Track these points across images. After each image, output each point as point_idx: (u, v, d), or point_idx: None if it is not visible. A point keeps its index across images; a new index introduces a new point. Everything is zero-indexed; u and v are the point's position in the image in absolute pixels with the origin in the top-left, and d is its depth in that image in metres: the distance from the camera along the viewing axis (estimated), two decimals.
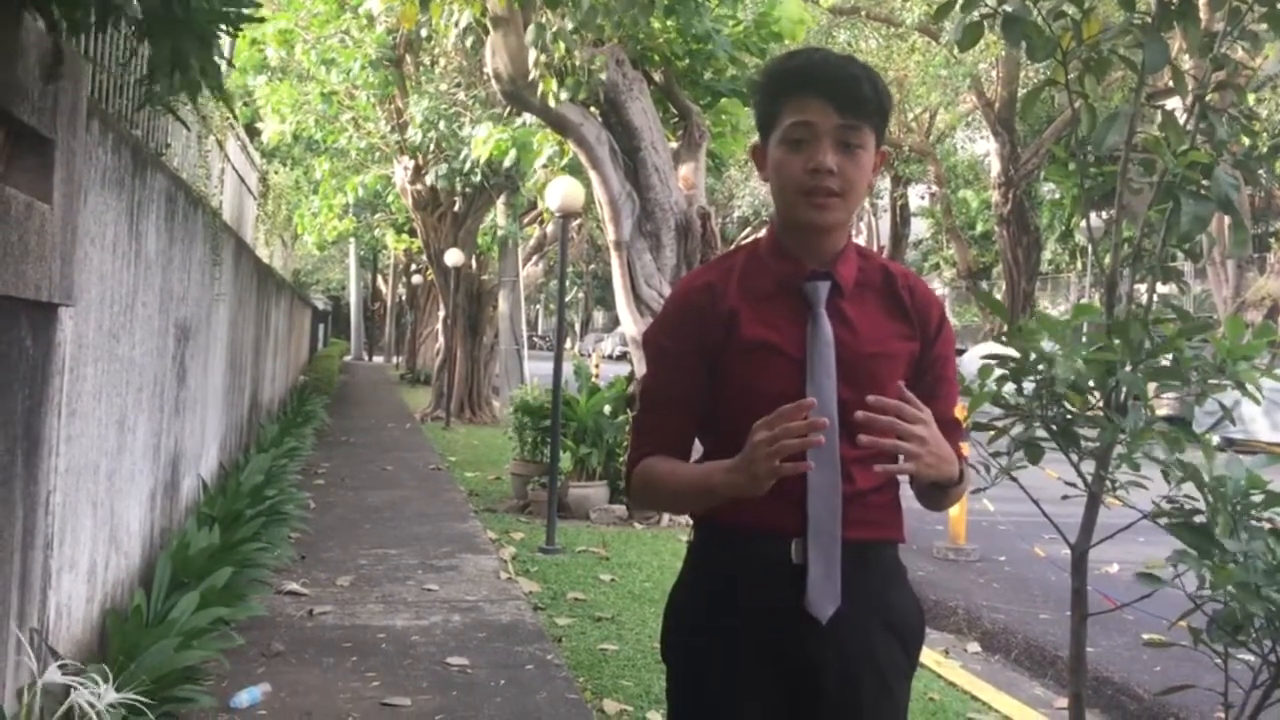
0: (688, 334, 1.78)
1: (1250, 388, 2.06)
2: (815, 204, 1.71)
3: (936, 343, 1.81)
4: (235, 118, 6.71)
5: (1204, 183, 2.17)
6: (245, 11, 2.71)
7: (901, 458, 1.56)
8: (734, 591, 1.74)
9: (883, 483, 1.75)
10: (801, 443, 1.53)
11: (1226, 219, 2.43)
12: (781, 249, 1.79)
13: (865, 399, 1.61)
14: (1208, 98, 2.34)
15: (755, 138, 1.86)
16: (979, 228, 35.91)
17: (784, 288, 1.77)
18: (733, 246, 2.09)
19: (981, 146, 33.20)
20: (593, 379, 9.98)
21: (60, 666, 2.72)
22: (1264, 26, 2.25)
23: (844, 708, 1.72)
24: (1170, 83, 2.41)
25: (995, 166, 26.36)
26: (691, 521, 1.87)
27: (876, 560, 1.76)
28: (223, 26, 2.70)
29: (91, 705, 2.38)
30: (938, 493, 1.76)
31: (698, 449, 1.88)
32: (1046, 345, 2.19)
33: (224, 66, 2.93)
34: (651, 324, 1.89)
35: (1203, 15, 2.31)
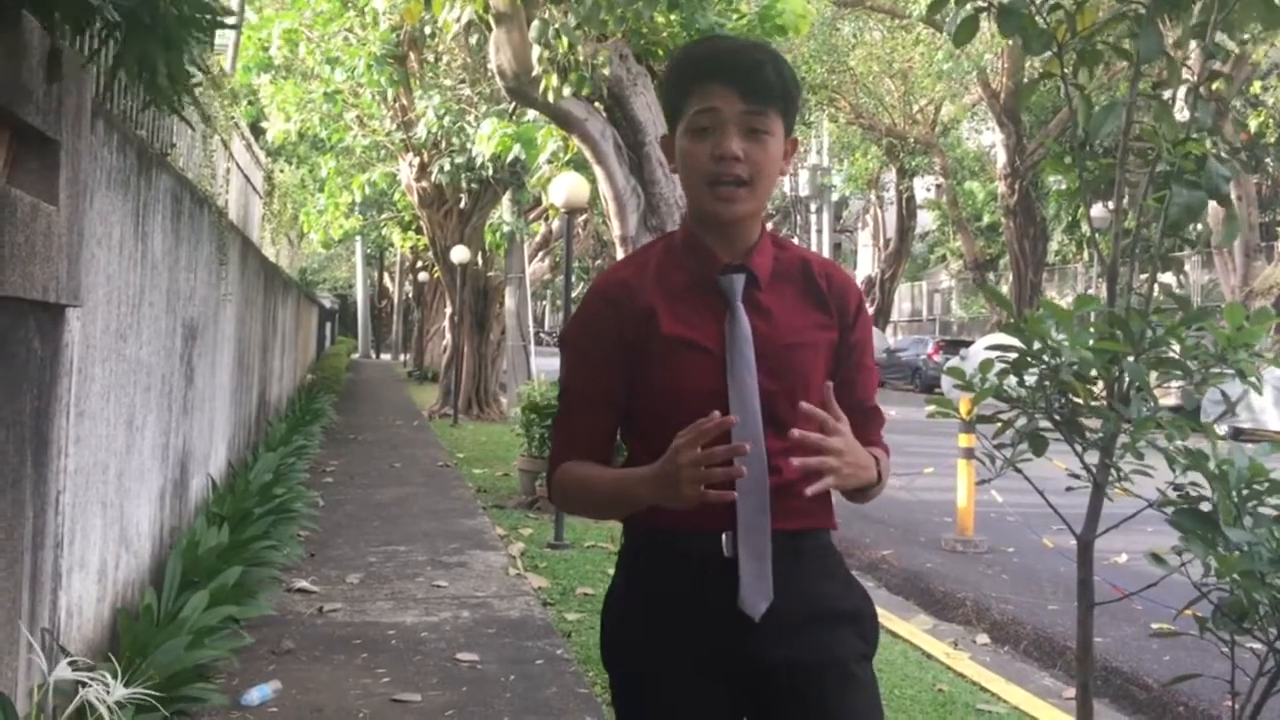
0: (606, 332, 1.75)
1: (1251, 377, 2.05)
2: (722, 196, 1.69)
3: (855, 329, 1.80)
4: (227, 114, 6.72)
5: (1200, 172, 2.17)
6: (217, 19, 2.72)
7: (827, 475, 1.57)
8: (669, 593, 1.71)
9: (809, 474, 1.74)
10: (726, 473, 1.51)
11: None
12: (695, 242, 1.77)
13: (790, 393, 1.62)
14: (1214, 87, 2.34)
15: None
16: (985, 219, 35.86)
17: (699, 282, 1.74)
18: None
19: (988, 138, 33.16)
20: None
21: (70, 663, 2.73)
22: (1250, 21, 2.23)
23: (811, 702, 1.69)
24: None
25: (1001, 158, 26.32)
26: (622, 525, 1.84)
27: (809, 550, 1.74)
28: (194, 32, 2.71)
29: (101, 701, 2.40)
30: (857, 492, 1.74)
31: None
32: (1053, 335, 2.19)
33: (199, 72, 2.93)
34: (569, 322, 1.85)
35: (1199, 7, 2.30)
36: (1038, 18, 2.32)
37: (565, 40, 7.49)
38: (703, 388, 1.67)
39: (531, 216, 16.86)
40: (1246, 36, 2.29)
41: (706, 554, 1.68)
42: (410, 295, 35.65)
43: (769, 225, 1.86)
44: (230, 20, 2.80)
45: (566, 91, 7.82)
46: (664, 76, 1.82)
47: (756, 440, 1.65)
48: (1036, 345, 2.19)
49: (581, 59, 7.70)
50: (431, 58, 14.48)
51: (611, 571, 6.74)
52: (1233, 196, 2.36)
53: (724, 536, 1.67)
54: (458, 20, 8.41)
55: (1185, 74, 2.36)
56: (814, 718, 1.71)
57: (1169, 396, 11.77)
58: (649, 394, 1.73)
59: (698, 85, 1.69)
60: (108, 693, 2.38)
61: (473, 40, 8.83)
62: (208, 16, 2.68)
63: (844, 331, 1.79)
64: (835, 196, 42.87)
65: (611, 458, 1.82)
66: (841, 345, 1.79)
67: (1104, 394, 2.27)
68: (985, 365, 2.24)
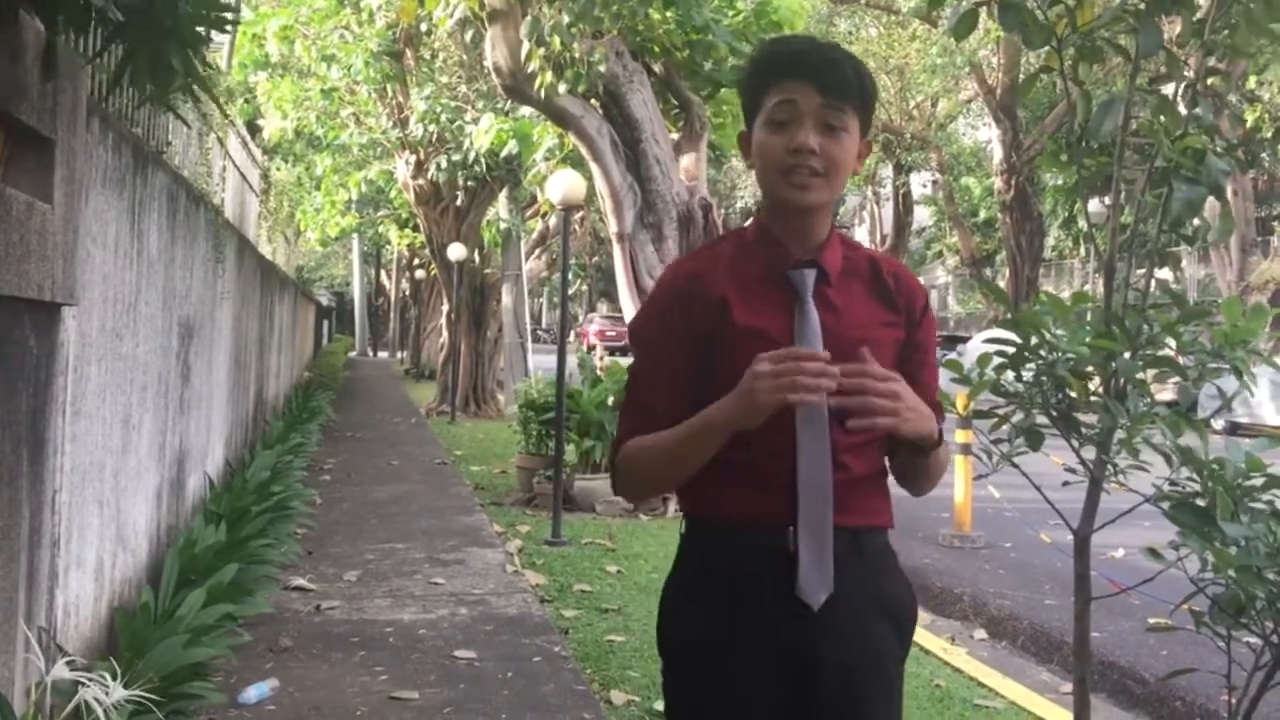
0: (675, 323, 1.78)
1: (1246, 376, 2.06)
2: (796, 183, 1.72)
3: (920, 329, 1.83)
4: (224, 111, 6.71)
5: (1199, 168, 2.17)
6: (225, 16, 2.71)
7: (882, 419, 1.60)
8: (728, 583, 1.73)
9: (873, 470, 1.77)
10: (814, 382, 1.56)
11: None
12: (768, 236, 1.80)
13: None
14: (1209, 82, 2.34)
15: None
16: (982, 215, 35.86)
17: (771, 275, 1.77)
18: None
19: (984, 133, 33.14)
20: (596, 371, 9.93)
21: (68, 663, 2.73)
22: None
23: (842, 697, 1.71)
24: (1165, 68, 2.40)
25: (998, 153, 26.30)
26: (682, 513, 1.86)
27: (869, 547, 1.76)
28: (203, 30, 2.70)
29: (99, 702, 2.39)
30: (920, 462, 1.77)
31: None
32: (1050, 329, 2.19)
33: (208, 68, 2.94)
34: (638, 314, 1.88)
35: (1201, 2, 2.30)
36: (1038, 12, 2.32)
37: (557, 39, 7.48)
38: None
39: (528, 214, 16.86)
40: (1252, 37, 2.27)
41: (769, 548, 1.71)
42: (407, 293, 35.60)
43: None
44: (230, 16, 2.80)
45: (562, 89, 7.82)
46: (742, 73, 1.85)
47: (822, 433, 1.68)
48: (1034, 340, 2.20)
49: (577, 56, 7.69)
50: (428, 55, 14.47)
51: (609, 568, 6.70)
52: (1228, 193, 2.36)
53: (789, 530, 1.70)
54: (452, 17, 8.41)
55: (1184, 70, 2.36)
56: (847, 717, 1.73)
57: (1165, 391, 11.77)
58: (718, 382, 1.73)
59: (777, 80, 1.73)
60: (106, 693, 2.37)
61: (468, 37, 8.81)
62: (218, 14, 2.67)
63: (910, 330, 1.82)
64: None
65: None
66: (907, 343, 1.82)
67: (1100, 389, 2.27)
68: (983, 359, 2.24)
